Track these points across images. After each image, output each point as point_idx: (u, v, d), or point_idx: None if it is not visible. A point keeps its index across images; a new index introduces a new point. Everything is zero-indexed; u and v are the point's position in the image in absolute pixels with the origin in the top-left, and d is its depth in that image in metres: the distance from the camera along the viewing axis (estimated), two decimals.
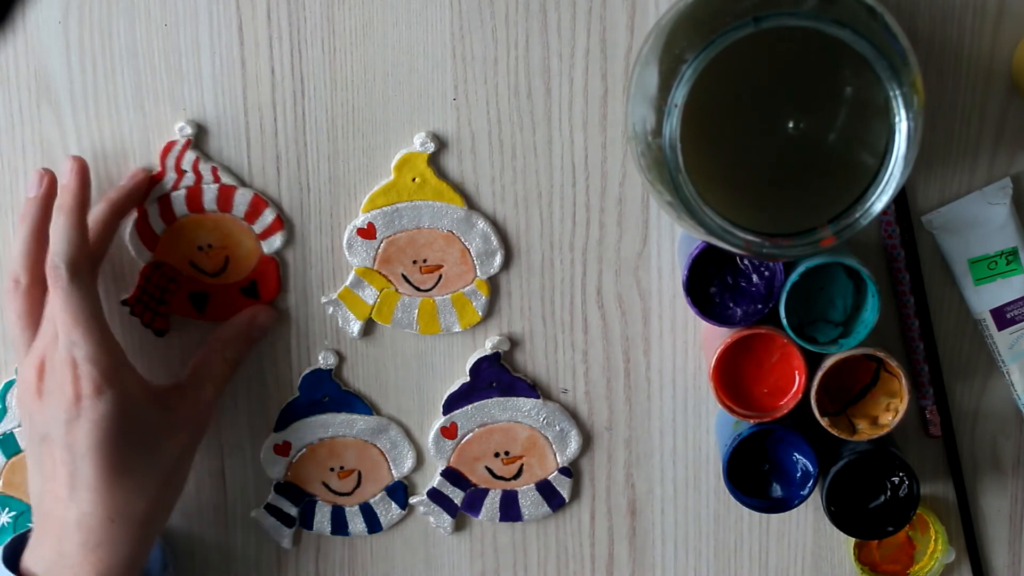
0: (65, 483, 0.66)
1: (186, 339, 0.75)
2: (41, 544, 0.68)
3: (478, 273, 0.74)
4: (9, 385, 0.73)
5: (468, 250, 0.73)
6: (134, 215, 0.73)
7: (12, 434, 0.74)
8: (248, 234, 0.73)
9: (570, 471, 0.77)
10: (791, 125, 0.60)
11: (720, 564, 0.78)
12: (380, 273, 0.74)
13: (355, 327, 0.75)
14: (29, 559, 0.68)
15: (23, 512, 0.75)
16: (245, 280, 0.74)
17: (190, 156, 0.72)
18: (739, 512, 0.77)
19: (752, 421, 0.70)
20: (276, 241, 0.74)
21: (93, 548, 0.66)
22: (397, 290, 0.74)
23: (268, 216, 0.73)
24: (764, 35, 0.57)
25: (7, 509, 0.76)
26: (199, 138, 0.73)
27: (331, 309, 0.75)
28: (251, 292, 0.74)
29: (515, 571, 0.79)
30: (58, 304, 0.66)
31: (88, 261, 0.68)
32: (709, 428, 0.76)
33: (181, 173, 0.72)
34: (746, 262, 0.69)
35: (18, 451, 0.74)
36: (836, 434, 0.70)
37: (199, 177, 0.73)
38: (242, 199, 0.73)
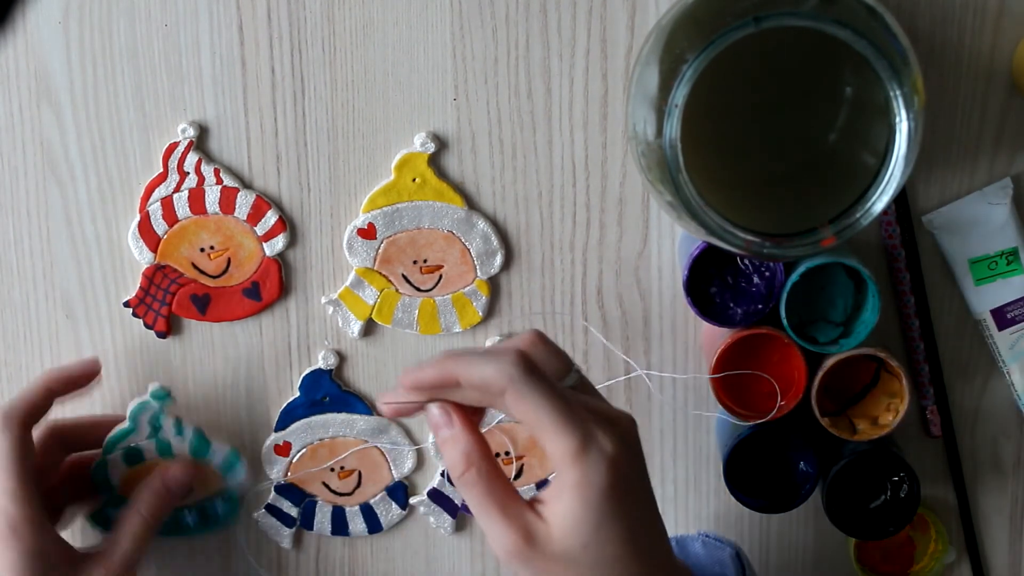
0: None
1: (188, 341, 0.75)
2: None
3: (478, 273, 0.74)
4: (141, 406, 0.73)
5: (468, 250, 0.73)
6: (137, 217, 0.73)
7: (140, 447, 0.74)
8: (250, 236, 0.73)
9: None
10: (791, 125, 0.61)
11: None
12: (380, 273, 0.74)
13: (355, 327, 0.75)
14: None
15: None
16: (248, 282, 0.74)
17: (192, 158, 0.72)
18: (739, 512, 0.77)
19: (752, 421, 0.70)
20: (279, 243, 0.74)
21: None
22: (397, 290, 0.74)
23: (271, 218, 0.73)
24: (764, 35, 0.57)
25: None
26: (200, 138, 0.73)
27: (331, 309, 0.75)
28: (253, 294, 0.74)
29: None
30: None
31: (23, 417, 0.69)
32: (709, 428, 0.76)
33: (183, 174, 0.72)
34: (746, 262, 0.69)
35: (141, 461, 0.74)
36: (836, 434, 0.70)
37: (201, 179, 0.73)
38: (244, 201, 0.73)
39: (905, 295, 0.73)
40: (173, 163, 0.72)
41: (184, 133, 0.72)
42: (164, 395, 0.73)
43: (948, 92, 0.71)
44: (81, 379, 0.73)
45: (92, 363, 0.74)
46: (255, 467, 0.77)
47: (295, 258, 0.74)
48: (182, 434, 0.74)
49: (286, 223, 0.73)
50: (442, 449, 0.58)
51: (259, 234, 0.73)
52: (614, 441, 0.55)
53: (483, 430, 0.75)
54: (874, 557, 0.76)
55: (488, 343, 0.75)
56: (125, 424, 0.73)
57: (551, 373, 0.57)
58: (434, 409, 0.58)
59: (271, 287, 0.74)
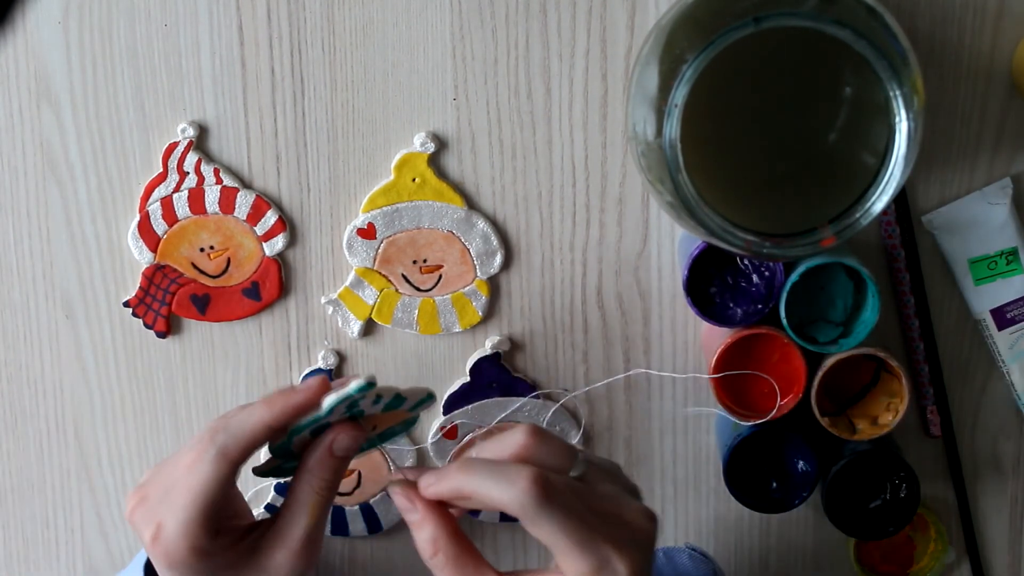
0: None
1: (188, 341, 0.75)
2: None
3: (478, 273, 0.74)
4: (341, 398, 0.59)
5: (468, 250, 0.73)
6: (136, 217, 0.73)
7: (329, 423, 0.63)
8: (250, 236, 0.73)
9: None
10: (791, 125, 0.61)
11: (720, 564, 0.78)
12: (380, 273, 0.74)
13: (355, 327, 0.75)
14: None
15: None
16: (247, 282, 0.74)
17: (192, 158, 0.72)
18: (739, 512, 0.77)
19: (752, 421, 0.70)
20: (279, 243, 0.74)
21: None
22: (397, 290, 0.74)
23: (271, 218, 0.73)
24: (764, 35, 0.57)
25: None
26: (200, 138, 0.73)
27: (331, 309, 0.75)
28: (253, 294, 0.74)
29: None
30: (187, 467, 0.60)
31: (242, 461, 0.60)
32: (709, 428, 0.76)
33: (183, 174, 0.72)
34: (746, 262, 0.69)
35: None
36: (836, 434, 0.70)
37: (201, 179, 0.73)
38: (244, 201, 0.73)
39: (905, 295, 0.73)
40: (173, 163, 0.72)
41: (184, 133, 0.72)
42: (367, 386, 0.59)
43: (948, 92, 0.71)
44: (309, 407, 0.61)
45: (322, 384, 0.61)
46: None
47: (295, 258, 0.74)
48: (379, 403, 0.62)
49: (286, 223, 0.73)
50: (411, 530, 0.59)
51: (259, 234, 0.73)
52: (627, 564, 0.56)
53: (479, 430, 0.75)
54: (874, 557, 0.76)
55: (488, 343, 0.75)
56: (320, 411, 0.60)
57: (557, 468, 0.57)
58: (398, 495, 0.58)
59: (271, 287, 0.74)
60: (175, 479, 0.60)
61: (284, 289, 0.75)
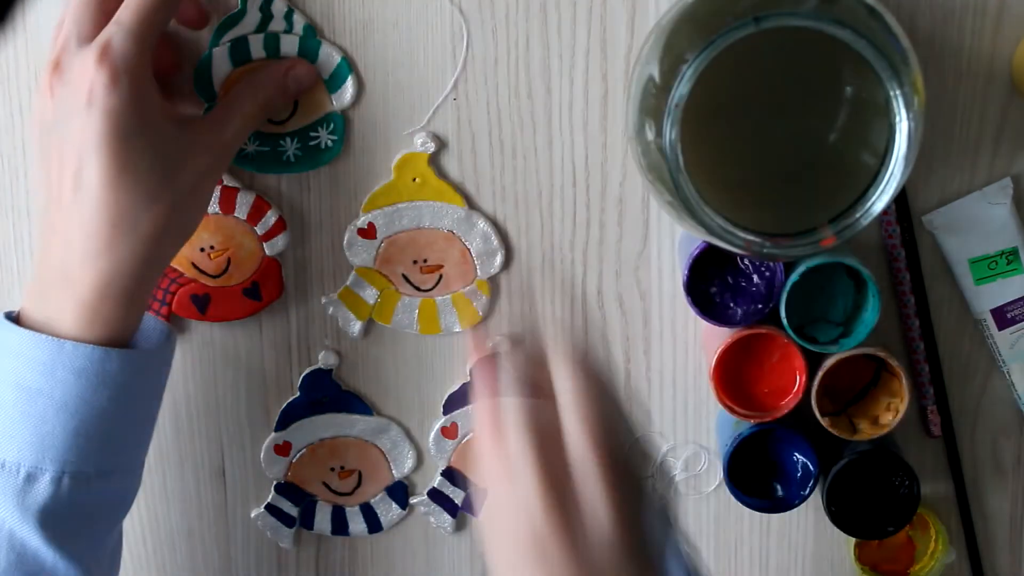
0: (70, 185, 0.63)
1: (188, 341, 0.75)
2: (45, 269, 0.65)
3: (478, 273, 0.74)
4: None
5: (468, 250, 0.73)
6: None
7: (246, 39, 0.69)
8: (250, 236, 0.73)
9: None
10: (791, 125, 0.61)
11: (720, 564, 0.78)
12: (380, 273, 0.74)
13: (355, 327, 0.75)
14: (27, 303, 0.65)
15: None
16: (248, 281, 0.74)
17: None
18: (739, 512, 0.77)
19: (752, 421, 0.70)
20: (279, 243, 0.74)
21: (94, 256, 0.63)
22: (397, 290, 0.74)
23: (271, 218, 0.73)
24: (764, 35, 0.57)
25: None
26: None
27: (331, 309, 0.75)
28: (253, 294, 0.74)
29: None
30: None
31: (144, 66, 0.64)
32: (709, 428, 0.76)
33: None
34: (746, 262, 0.69)
35: (248, 60, 0.69)
36: (836, 434, 0.70)
37: None
38: (245, 200, 0.73)
39: (905, 295, 0.73)
40: None
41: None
42: None
43: (948, 92, 0.71)
44: None
45: None
46: (255, 467, 0.77)
47: (295, 258, 0.74)
48: (291, 28, 0.69)
49: (286, 223, 0.73)
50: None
51: (259, 234, 0.73)
52: None
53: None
54: (874, 557, 0.76)
55: (489, 343, 0.75)
56: (236, 7, 0.67)
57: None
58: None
59: (271, 287, 0.74)
60: (105, 13, 0.63)
61: (284, 289, 0.75)
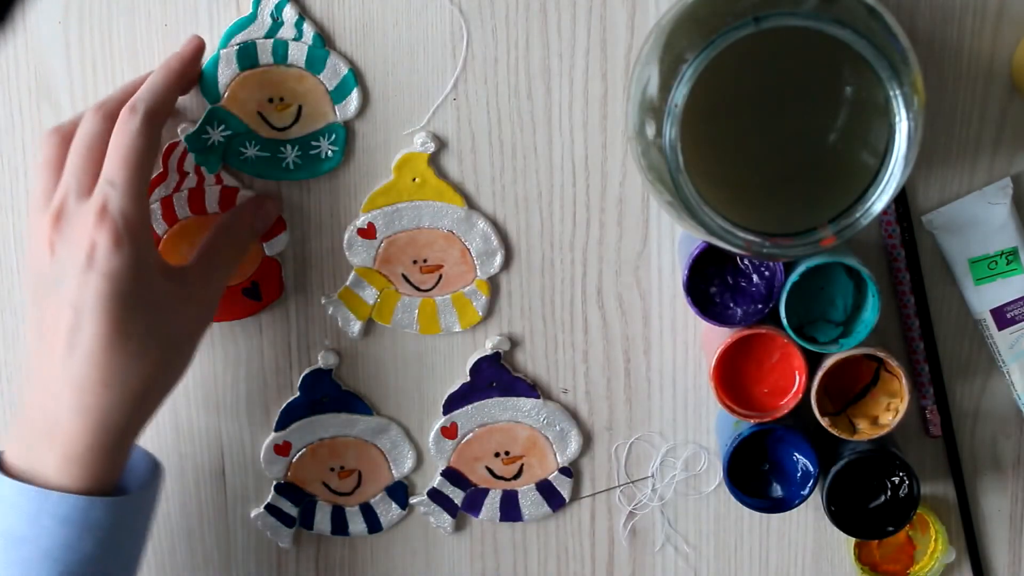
0: (63, 342, 0.63)
1: None
2: (29, 420, 0.65)
3: (478, 273, 0.74)
4: None
5: (468, 250, 0.73)
6: None
7: (254, 45, 0.70)
8: None
9: (570, 471, 0.77)
10: (791, 125, 0.61)
11: (720, 564, 0.78)
12: (380, 273, 0.74)
13: (355, 327, 0.75)
14: (11, 451, 0.65)
15: (238, 134, 0.71)
16: (247, 281, 0.74)
17: (192, 158, 0.72)
18: (739, 512, 0.77)
19: (752, 421, 0.70)
20: (278, 243, 0.73)
21: (83, 413, 0.63)
22: (397, 290, 0.74)
23: None
24: (764, 35, 0.57)
25: (223, 126, 0.71)
26: None
27: (331, 309, 0.75)
28: (253, 294, 0.74)
29: (515, 571, 0.79)
30: (118, 142, 0.64)
31: (163, 121, 0.66)
32: (709, 428, 0.76)
33: (184, 175, 0.72)
34: (746, 262, 0.69)
35: (255, 65, 0.70)
36: (836, 434, 0.70)
37: (201, 179, 0.72)
38: (244, 200, 0.73)
39: (905, 295, 0.73)
40: (173, 163, 0.72)
41: (183, 132, 0.72)
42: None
43: (948, 92, 0.71)
44: (195, 65, 0.69)
45: (197, 41, 0.69)
46: (255, 467, 0.77)
47: (295, 258, 0.74)
48: (301, 36, 0.69)
49: (286, 223, 0.73)
50: None
51: None
52: None
53: (483, 430, 0.75)
54: (874, 557, 0.76)
55: (488, 343, 0.75)
56: (247, 12, 0.68)
57: None
58: None
59: (271, 287, 0.74)
60: (99, 163, 0.65)
61: (284, 289, 0.75)
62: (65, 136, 0.67)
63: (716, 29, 0.57)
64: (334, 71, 0.71)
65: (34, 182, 0.67)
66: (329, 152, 0.71)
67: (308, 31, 0.70)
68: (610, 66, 0.71)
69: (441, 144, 0.72)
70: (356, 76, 0.71)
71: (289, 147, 0.71)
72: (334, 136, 0.71)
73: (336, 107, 0.71)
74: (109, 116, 0.66)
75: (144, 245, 0.64)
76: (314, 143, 0.71)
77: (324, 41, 0.70)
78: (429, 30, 0.71)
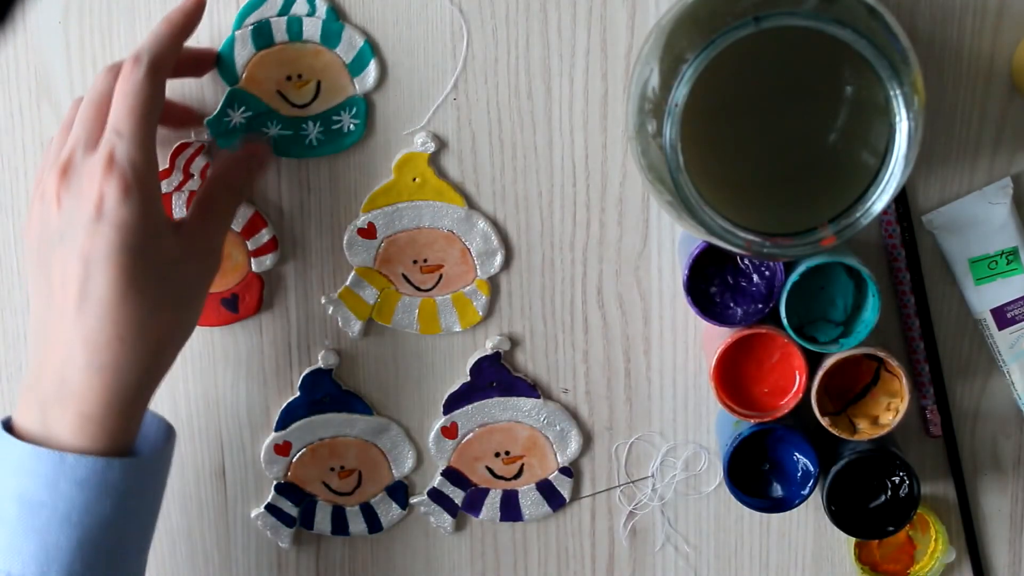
0: (74, 297, 0.62)
1: (188, 341, 0.75)
2: (40, 382, 0.64)
3: (478, 273, 0.74)
4: None
5: (468, 250, 0.73)
6: None
7: (269, 23, 0.69)
8: (240, 248, 0.73)
9: (570, 471, 0.77)
10: (791, 125, 0.61)
11: (720, 564, 0.78)
12: (380, 273, 0.74)
13: (355, 327, 0.75)
14: (21, 416, 0.64)
15: (259, 114, 0.71)
16: (227, 292, 0.74)
17: (200, 161, 0.72)
18: (739, 512, 0.77)
19: (752, 421, 0.70)
20: (267, 261, 0.73)
21: (98, 370, 0.62)
22: (398, 290, 0.74)
23: (264, 236, 0.73)
24: (764, 35, 0.57)
25: (243, 107, 0.71)
26: (212, 145, 0.72)
27: (331, 309, 0.75)
28: (231, 305, 0.74)
29: (515, 571, 0.79)
30: (123, 92, 0.64)
31: (168, 73, 0.66)
32: (709, 428, 0.76)
33: (188, 176, 0.72)
34: (746, 262, 0.69)
35: (271, 44, 0.70)
36: (836, 434, 0.70)
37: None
38: (241, 214, 0.73)
39: (905, 295, 0.73)
40: (180, 163, 0.72)
41: (197, 135, 0.72)
42: None
43: (948, 92, 0.71)
44: (197, 17, 0.68)
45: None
46: (255, 467, 0.77)
47: (295, 258, 0.74)
48: (314, 11, 0.69)
49: (278, 243, 0.73)
50: None
51: (250, 248, 0.73)
52: None
53: (483, 430, 0.75)
54: (874, 557, 0.76)
55: (488, 343, 0.75)
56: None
57: None
58: None
59: (250, 302, 0.74)
60: (106, 117, 0.64)
61: (264, 306, 0.74)
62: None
63: (716, 29, 0.57)
64: (350, 44, 0.70)
65: (51, 144, 0.66)
66: (351, 126, 0.71)
67: (321, 5, 0.70)
68: (610, 66, 0.71)
69: (441, 144, 0.72)
70: (373, 48, 0.71)
71: (311, 123, 0.71)
72: (355, 109, 0.71)
73: (355, 80, 0.71)
74: (117, 73, 0.65)
75: (152, 196, 0.63)
76: (335, 118, 0.71)
77: (338, 14, 0.70)
78: (429, 30, 0.71)
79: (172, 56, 0.66)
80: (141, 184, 0.62)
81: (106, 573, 0.64)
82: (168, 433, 0.69)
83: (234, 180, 0.70)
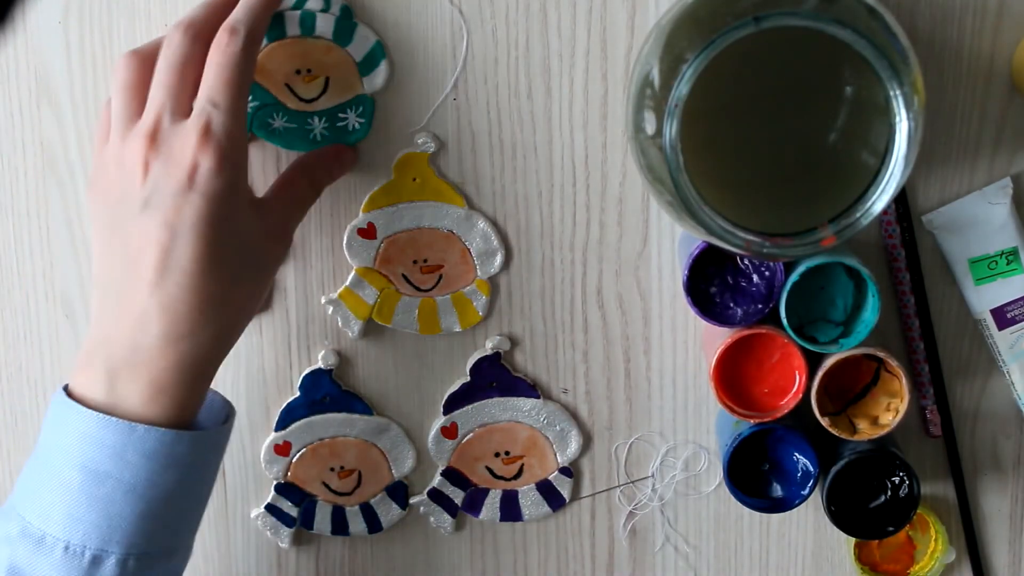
0: (155, 265, 0.61)
1: None
2: (108, 349, 0.62)
3: (478, 273, 0.74)
4: None
5: (468, 250, 0.73)
6: None
7: (281, 14, 0.69)
8: None
9: (570, 471, 0.77)
10: (792, 125, 0.60)
11: (720, 564, 0.78)
12: (380, 273, 0.74)
13: (355, 327, 0.75)
14: (83, 384, 0.63)
15: (265, 106, 0.71)
16: None
17: None
18: (739, 512, 0.77)
19: (752, 421, 0.70)
20: None
21: (175, 340, 0.62)
22: (398, 290, 0.74)
23: None
24: (764, 35, 0.57)
25: (251, 97, 0.70)
26: None
27: (331, 309, 0.75)
28: None
29: (515, 571, 0.79)
30: (219, 63, 0.63)
31: (260, 43, 0.65)
32: (709, 428, 0.76)
33: None
34: (746, 262, 0.69)
35: (282, 36, 0.69)
36: (836, 434, 0.70)
37: None
38: None
39: (905, 295, 0.73)
40: None
41: None
42: None
43: (948, 92, 0.71)
44: None
45: None
46: (255, 467, 0.77)
47: (295, 258, 0.74)
48: (329, 7, 0.69)
49: None
50: None
51: None
52: None
53: (483, 430, 0.75)
54: (874, 557, 0.76)
55: (488, 343, 0.75)
56: None
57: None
58: None
59: None
60: (192, 84, 0.63)
61: (263, 305, 0.74)
62: (145, 58, 0.65)
63: (716, 29, 0.57)
64: (362, 43, 0.70)
65: (113, 103, 0.65)
66: (356, 124, 0.71)
67: (336, 2, 0.70)
68: (610, 66, 0.71)
69: (441, 144, 0.72)
70: (384, 48, 0.71)
71: (316, 119, 0.71)
72: (361, 108, 0.71)
73: (364, 79, 0.71)
74: (199, 37, 0.64)
75: (243, 171, 0.63)
76: (341, 115, 0.71)
77: (352, 12, 0.70)
78: (429, 30, 0.71)
79: (265, 27, 0.65)
80: (233, 159, 0.62)
81: (165, 544, 0.64)
82: (228, 409, 0.69)
83: (316, 173, 0.70)
